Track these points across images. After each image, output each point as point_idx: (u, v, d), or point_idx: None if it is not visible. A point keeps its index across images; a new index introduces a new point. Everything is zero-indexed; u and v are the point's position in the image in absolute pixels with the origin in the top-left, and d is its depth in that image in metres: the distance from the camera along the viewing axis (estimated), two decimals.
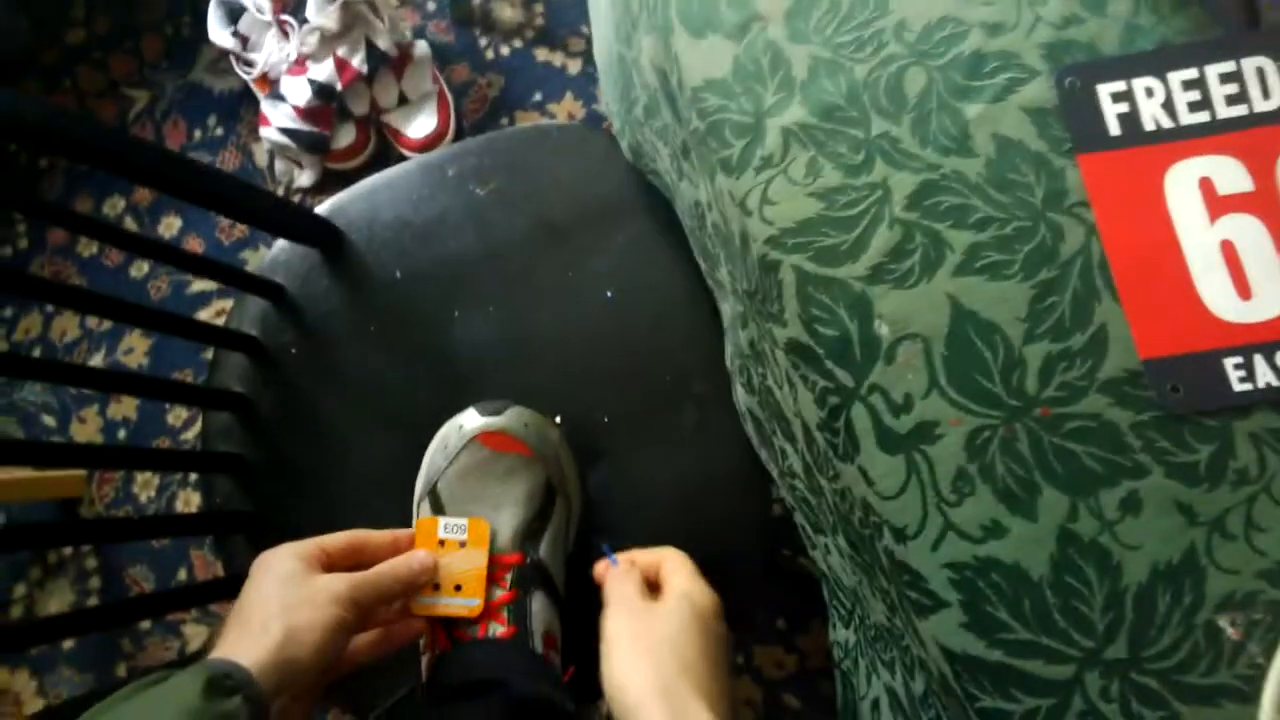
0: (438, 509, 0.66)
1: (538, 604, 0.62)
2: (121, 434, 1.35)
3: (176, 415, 1.35)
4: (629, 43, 0.59)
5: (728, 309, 0.60)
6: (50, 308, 1.39)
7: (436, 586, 0.60)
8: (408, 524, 0.75)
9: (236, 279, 0.80)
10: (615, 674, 0.50)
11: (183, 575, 1.29)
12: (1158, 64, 0.45)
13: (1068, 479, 0.40)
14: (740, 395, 0.62)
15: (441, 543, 0.62)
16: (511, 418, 0.67)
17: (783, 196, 0.44)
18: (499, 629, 0.60)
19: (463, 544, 0.62)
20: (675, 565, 0.58)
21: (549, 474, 0.67)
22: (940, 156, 0.44)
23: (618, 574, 0.57)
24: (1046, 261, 0.43)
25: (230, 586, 0.78)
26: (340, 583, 0.53)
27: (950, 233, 0.43)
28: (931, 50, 0.46)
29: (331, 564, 0.56)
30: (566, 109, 1.36)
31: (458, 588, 0.60)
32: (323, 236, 0.86)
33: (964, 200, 0.44)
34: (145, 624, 1.27)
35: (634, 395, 0.78)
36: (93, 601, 1.28)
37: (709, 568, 0.75)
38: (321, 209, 0.88)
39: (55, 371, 0.67)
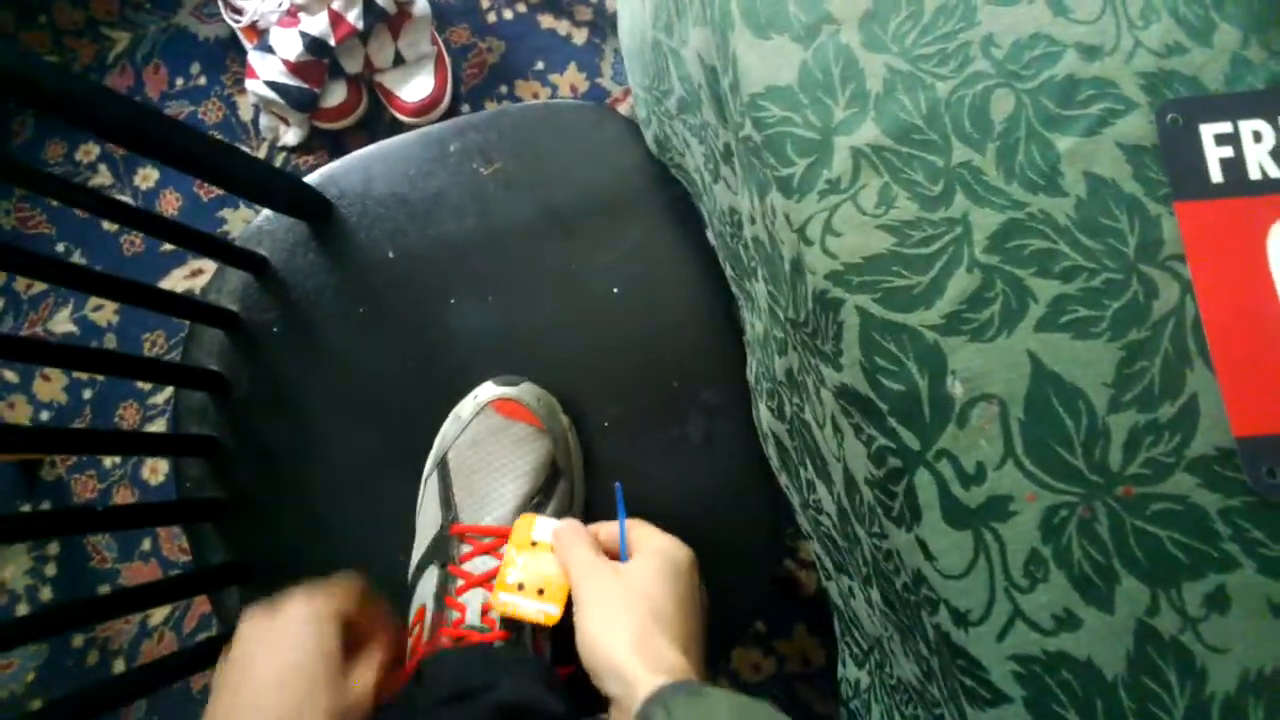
0: (445, 479, 0.65)
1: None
2: (88, 393, 1.28)
3: (154, 342, 1.27)
4: (669, 30, 0.53)
5: (758, 325, 0.55)
6: None
7: (521, 585, 0.57)
8: (389, 518, 0.70)
9: (216, 249, 0.74)
10: (588, 635, 0.49)
11: (146, 545, 1.22)
12: (1269, 105, 0.40)
13: (1149, 568, 0.35)
14: (764, 416, 0.57)
15: (534, 543, 0.59)
16: (525, 389, 0.67)
17: (849, 227, 0.39)
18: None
19: (553, 546, 0.58)
20: (645, 531, 0.57)
21: (555, 452, 0.66)
22: (1027, 193, 0.39)
23: (567, 535, 0.56)
24: (1137, 321, 0.38)
25: (197, 582, 0.72)
26: (367, 698, 0.49)
27: (1034, 281, 0.38)
28: (1021, 71, 0.41)
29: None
30: (569, 81, 1.29)
31: (541, 591, 0.57)
32: (312, 208, 0.79)
33: (1051, 245, 0.39)
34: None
35: (638, 400, 0.73)
36: (50, 570, 1.21)
37: (709, 590, 0.71)
38: (312, 178, 0.81)
39: (15, 348, 0.60)
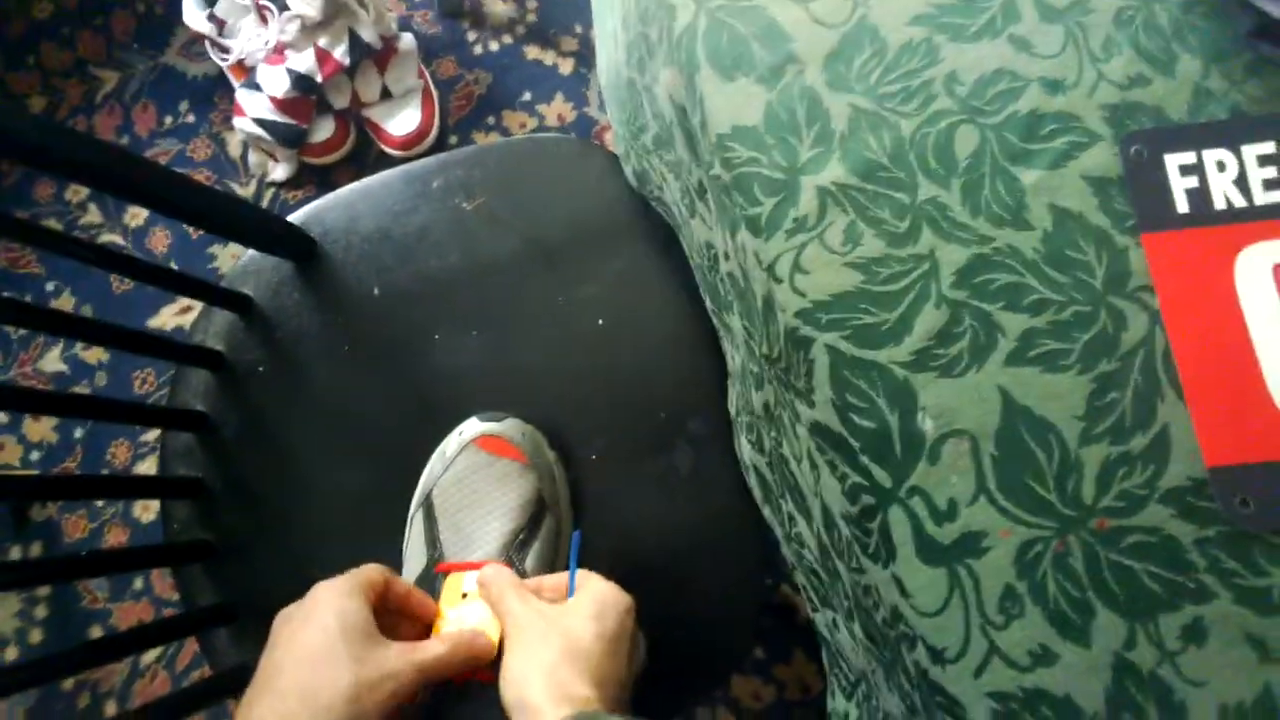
0: (430, 517, 0.64)
1: None
2: (79, 432, 1.27)
3: (144, 379, 1.27)
4: (641, 69, 0.53)
5: (737, 358, 0.55)
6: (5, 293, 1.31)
7: None
8: (376, 557, 0.70)
9: (200, 291, 0.74)
10: (505, 670, 0.47)
11: (138, 584, 1.22)
12: (1231, 135, 0.40)
13: (1125, 601, 0.35)
14: (745, 449, 0.57)
15: (464, 595, 0.58)
16: (510, 425, 0.67)
17: (817, 265, 0.39)
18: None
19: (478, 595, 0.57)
20: (589, 577, 0.56)
21: (541, 487, 0.65)
22: (993, 228, 0.39)
23: (492, 576, 0.55)
24: (1107, 352, 0.38)
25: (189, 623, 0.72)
26: (409, 668, 0.47)
27: (1003, 315, 0.38)
28: (985, 107, 0.41)
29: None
30: (556, 111, 1.30)
31: (435, 637, 0.55)
32: (295, 246, 0.79)
33: (1018, 279, 0.39)
34: (97, 633, 1.20)
35: (625, 432, 0.73)
36: (41, 611, 1.20)
37: (697, 624, 0.71)
38: (295, 217, 0.81)
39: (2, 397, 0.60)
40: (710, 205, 0.51)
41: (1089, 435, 0.37)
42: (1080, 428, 0.37)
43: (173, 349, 0.74)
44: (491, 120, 1.30)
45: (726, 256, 0.48)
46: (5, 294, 1.25)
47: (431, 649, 0.49)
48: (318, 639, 0.46)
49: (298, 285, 0.79)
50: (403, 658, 0.47)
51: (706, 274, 0.59)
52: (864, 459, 0.38)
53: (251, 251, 0.81)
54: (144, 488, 0.74)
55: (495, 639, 0.54)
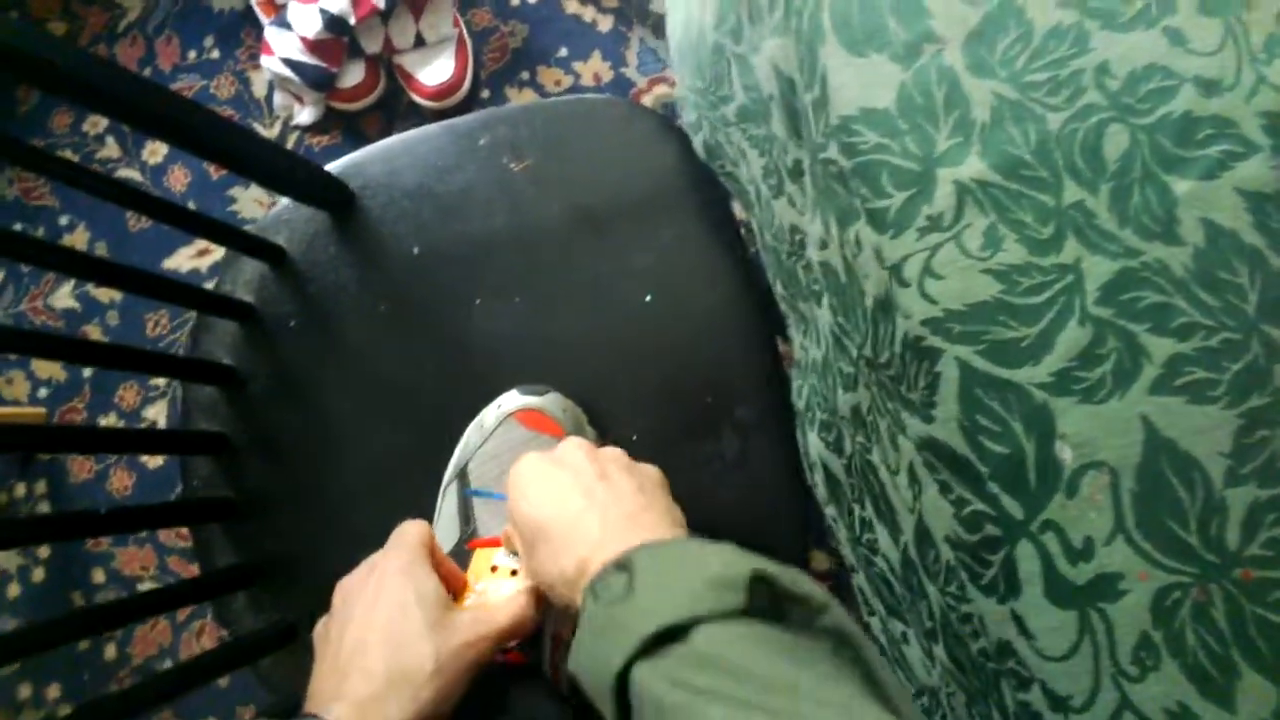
0: (465, 489, 0.61)
1: (553, 604, 0.56)
2: (88, 371, 1.23)
3: (157, 321, 1.22)
4: (736, 35, 0.49)
5: (814, 351, 0.51)
6: (17, 225, 1.25)
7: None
8: (406, 517, 0.66)
9: (232, 238, 0.69)
10: (516, 494, 0.47)
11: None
12: None
13: (1274, 662, 0.32)
14: (815, 446, 0.53)
15: (493, 568, 0.54)
16: (551, 400, 0.63)
17: (952, 270, 0.35)
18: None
19: (514, 572, 0.54)
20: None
21: None
22: (1142, 240, 0.35)
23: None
24: (1258, 386, 0.34)
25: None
26: (483, 637, 0.45)
27: (1149, 338, 0.34)
28: (1137, 105, 0.37)
29: None
30: (593, 69, 1.24)
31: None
32: (333, 198, 0.75)
33: (1166, 299, 0.35)
34: (100, 577, 1.16)
35: (669, 414, 0.69)
36: (44, 550, 1.16)
37: None
38: (334, 167, 0.76)
39: (18, 340, 0.56)
40: (806, 189, 0.46)
41: (1235, 475, 0.33)
42: (1226, 466, 0.34)
43: (201, 298, 0.70)
44: (525, 75, 1.25)
45: (824, 245, 0.44)
46: (17, 227, 1.20)
47: (499, 616, 0.47)
48: (397, 616, 0.44)
49: (333, 238, 0.75)
50: (475, 627, 0.45)
51: (783, 259, 0.55)
52: (992, 486, 0.34)
53: (285, 200, 0.76)
54: (167, 443, 0.70)
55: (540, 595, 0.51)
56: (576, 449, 0.50)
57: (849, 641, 0.34)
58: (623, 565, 0.38)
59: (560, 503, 0.45)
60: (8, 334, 0.55)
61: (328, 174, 0.74)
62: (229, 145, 0.63)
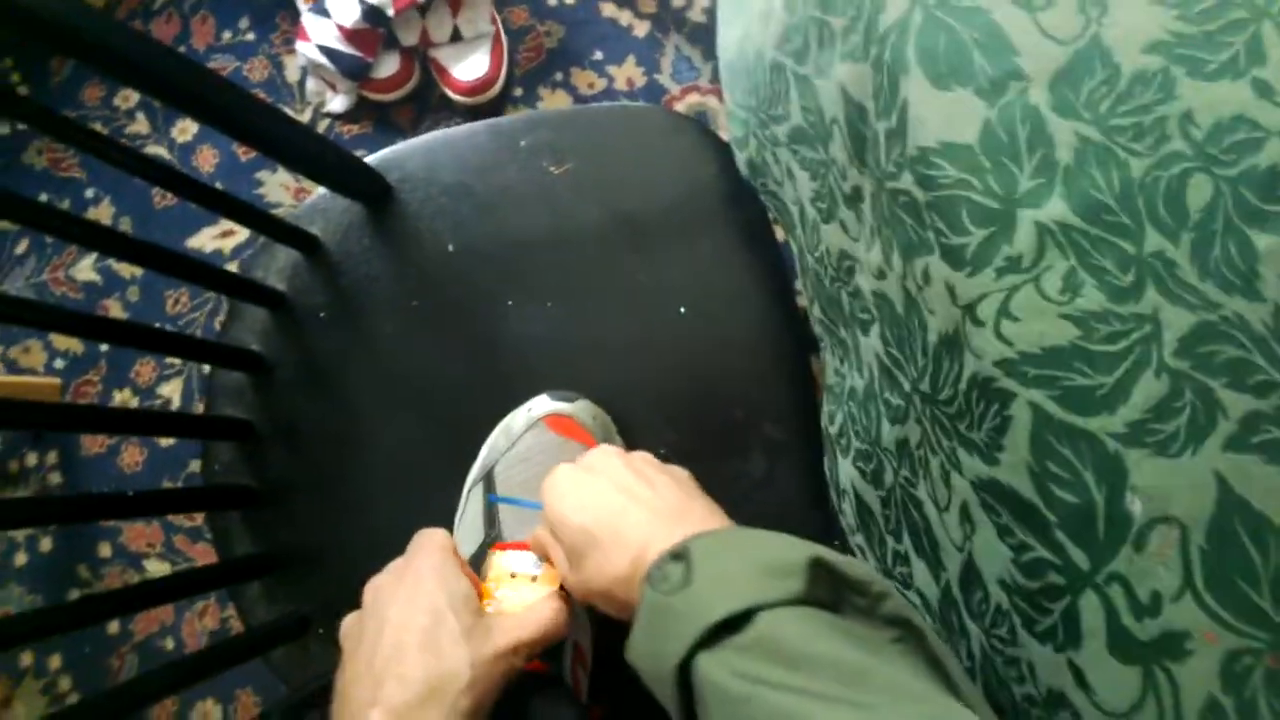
0: (490, 493, 0.60)
1: (573, 613, 0.55)
2: (105, 345, 1.21)
3: (178, 299, 1.21)
4: (801, 57, 0.48)
5: (855, 379, 0.50)
6: (43, 196, 1.24)
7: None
8: (426, 522, 0.65)
9: (266, 225, 0.68)
10: (558, 503, 0.46)
11: None
12: None
13: None
14: (848, 474, 0.52)
15: (512, 575, 0.54)
16: (581, 407, 0.63)
17: (1030, 313, 0.34)
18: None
19: (534, 579, 0.53)
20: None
21: None
22: (1222, 294, 0.34)
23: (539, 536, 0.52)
24: None
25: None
26: (517, 646, 0.44)
27: (1225, 394, 0.34)
28: (1221, 156, 0.36)
29: None
30: (627, 74, 1.23)
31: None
32: (371, 190, 0.74)
33: (1244, 354, 0.34)
34: (106, 551, 1.15)
35: (698, 429, 0.68)
36: (46, 546, 1.15)
37: None
38: (373, 159, 0.76)
39: (44, 315, 0.55)
40: (864, 216, 0.46)
41: None
42: None
43: (233, 283, 0.69)
44: (559, 76, 1.24)
45: (880, 275, 0.43)
46: (44, 197, 1.19)
47: (531, 623, 0.46)
48: (433, 623, 0.43)
49: (368, 231, 0.74)
50: (508, 635, 0.45)
51: (826, 283, 0.54)
52: (1059, 535, 0.33)
53: (322, 189, 0.75)
54: (193, 427, 0.69)
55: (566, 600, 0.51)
56: (606, 454, 0.49)
57: (911, 630, 0.33)
58: (679, 555, 0.38)
59: (603, 505, 0.45)
60: (33, 307, 0.54)
61: (366, 165, 0.73)
62: (270, 130, 0.62)
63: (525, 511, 0.61)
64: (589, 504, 0.45)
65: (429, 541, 0.50)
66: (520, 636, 0.45)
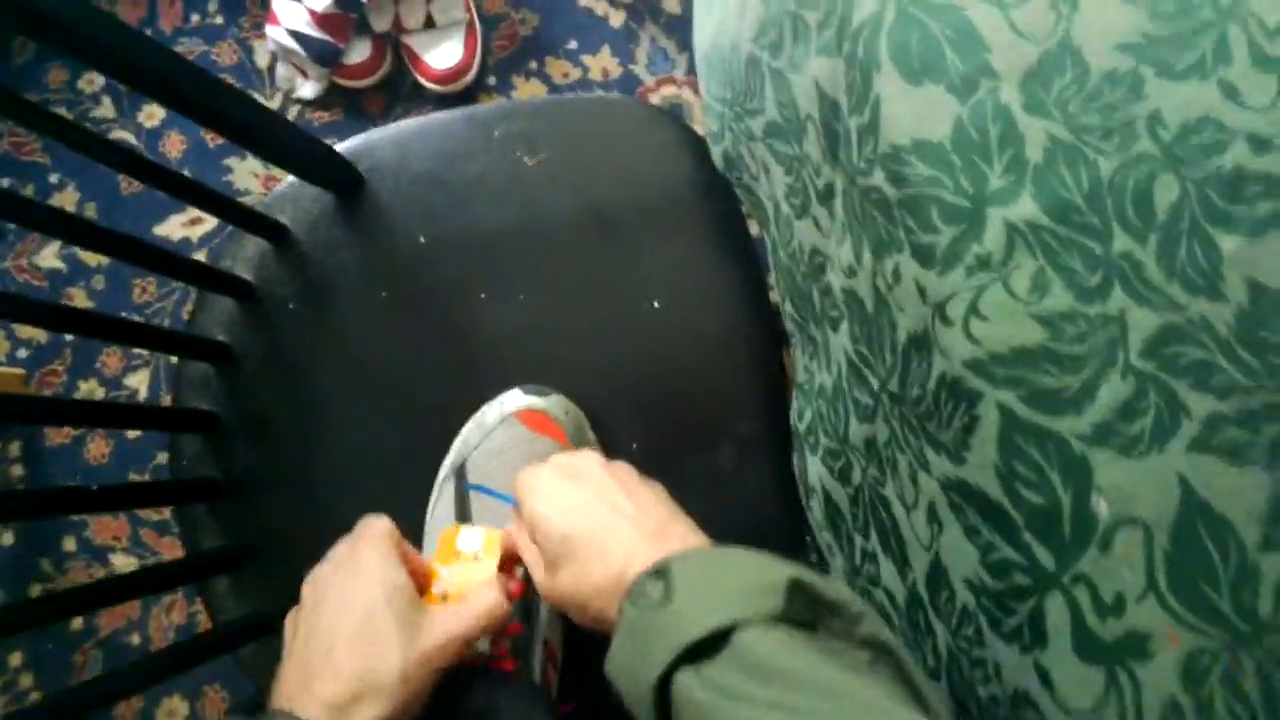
0: (462, 488, 0.60)
1: (544, 611, 0.56)
2: (70, 335, 1.19)
3: (144, 288, 1.19)
4: (776, 51, 0.47)
5: (824, 377, 0.50)
6: (5, 181, 1.21)
7: (445, 596, 0.51)
8: (395, 516, 0.65)
9: (234, 213, 0.67)
10: (541, 506, 0.46)
11: None
12: None
13: None
14: (816, 472, 0.52)
15: (457, 554, 0.53)
16: (554, 401, 0.62)
17: (998, 313, 0.34)
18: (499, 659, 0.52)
19: (477, 556, 0.53)
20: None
21: None
22: (1187, 295, 0.34)
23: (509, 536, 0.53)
24: None
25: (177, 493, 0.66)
26: (451, 640, 0.44)
27: (1189, 395, 0.34)
28: (1188, 157, 0.36)
29: None
30: (601, 64, 1.22)
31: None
32: (341, 179, 0.73)
33: (1208, 356, 0.34)
34: (71, 545, 1.13)
35: (669, 423, 0.68)
36: (8, 540, 1.13)
37: None
38: (343, 148, 0.74)
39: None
40: (836, 213, 0.45)
41: (1270, 542, 0.33)
42: (1260, 533, 0.33)
43: (200, 273, 0.68)
44: (533, 65, 1.22)
45: (851, 272, 0.43)
46: (5, 182, 1.16)
47: (468, 615, 0.46)
48: (367, 615, 0.43)
49: (338, 220, 0.73)
50: (446, 629, 0.44)
51: (798, 280, 0.54)
52: (1026, 536, 0.33)
53: (291, 178, 0.74)
54: (159, 419, 0.68)
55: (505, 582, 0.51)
56: (592, 462, 0.49)
57: (888, 651, 0.34)
58: (659, 573, 0.38)
59: (588, 517, 0.44)
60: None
61: (337, 154, 0.72)
62: (238, 117, 0.61)
63: (497, 504, 0.60)
64: (574, 512, 0.45)
65: (369, 530, 0.49)
66: (457, 628, 0.44)
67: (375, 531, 0.49)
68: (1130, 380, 0.34)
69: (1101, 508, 0.33)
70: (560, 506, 0.45)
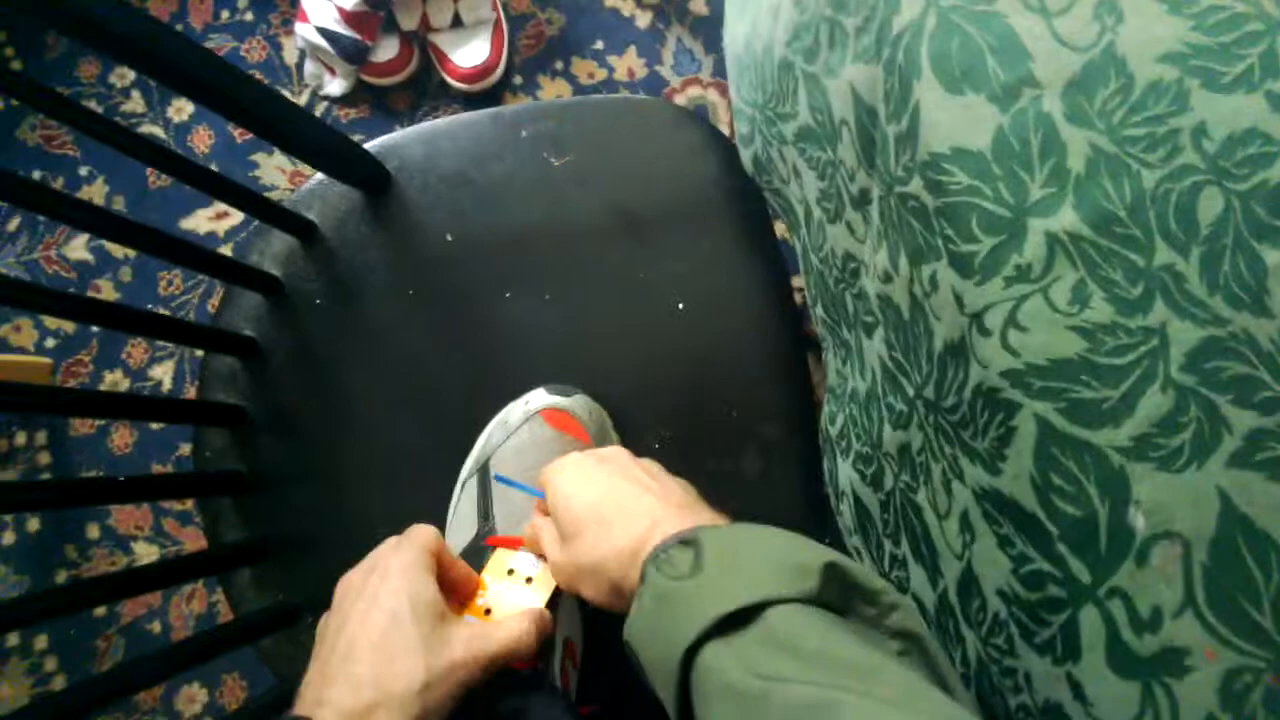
0: (485, 486, 0.60)
1: (565, 608, 0.55)
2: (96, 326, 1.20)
3: (171, 281, 1.19)
4: (811, 56, 0.47)
5: (858, 382, 0.50)
6: (36, 173, 1.22)
7: (489, 611, 0.51)
8: (419, 513, 0.65)
9: (263, 209, 0.67)
10: (566, 483, 0.46)
11: None
12: None
13: None
14: (848, 476, 0.52)
15: (510, 571, 0.53)
16: (578, 401, 0.62)
17: (1037, 323, 0.34)
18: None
19: (529, 580, 0.53)
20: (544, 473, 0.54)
21: None
22: (1230, 309, 0.34)
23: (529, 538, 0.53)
24: None
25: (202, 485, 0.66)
26: (476, 659, 0.43)
27: (1230, 410, 0.33)
28: (1234, 170, 0.35)
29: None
30: (628, 64, 1.22)
31: (498, 622, 0.51)
32: (369, 177, 0.73)
33: (1250, 371, 0.34)
34: (94, 532, 1.14)
35: (692, 425, 0.68)
36: (34, 526, 1.14)
37: None
38: (372, 146, 0.75)
39: (41, 297, 0.54)
40: (871, 219, 0.45)
41: None
42: None
43: (228, 268, 0.68)
44: (560, 65, 1.22)
45: (887, 279, 0.43)
46: (36, 174, 1.17)
47: (496, 639, 0.45)
48: (390, 624, 0.43)
49: (366, 218, 0.73)
50: (470, 647, 0.44)
51: (830, 284, 0.54)
52: (1061, 547, 0.33)
53: (319, 175, 0.74)
54: (185, 412, 0.68)
55: (547, 619, 0.50)
56: (620, 452, 0.50)
57: (917, 643, 0.33)
58: (688, 542, 0.38)
59: (613, 489, 0.45)
60: (25, 288, 0.53)
61: (365, 152, 0.73)
62: (269, 114, 0.61)
63: (521, 504, 0.60)
64: (599, 485, 0.45)
65: (408, 539, 0.49)
66: (482, 650, 0.44)
67: (415, 541, 0.48)
68: (1170, 393, 0.33)
69: (1139, 521, 0.32)
70: (586, 482, 0.45)
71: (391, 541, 0.50)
